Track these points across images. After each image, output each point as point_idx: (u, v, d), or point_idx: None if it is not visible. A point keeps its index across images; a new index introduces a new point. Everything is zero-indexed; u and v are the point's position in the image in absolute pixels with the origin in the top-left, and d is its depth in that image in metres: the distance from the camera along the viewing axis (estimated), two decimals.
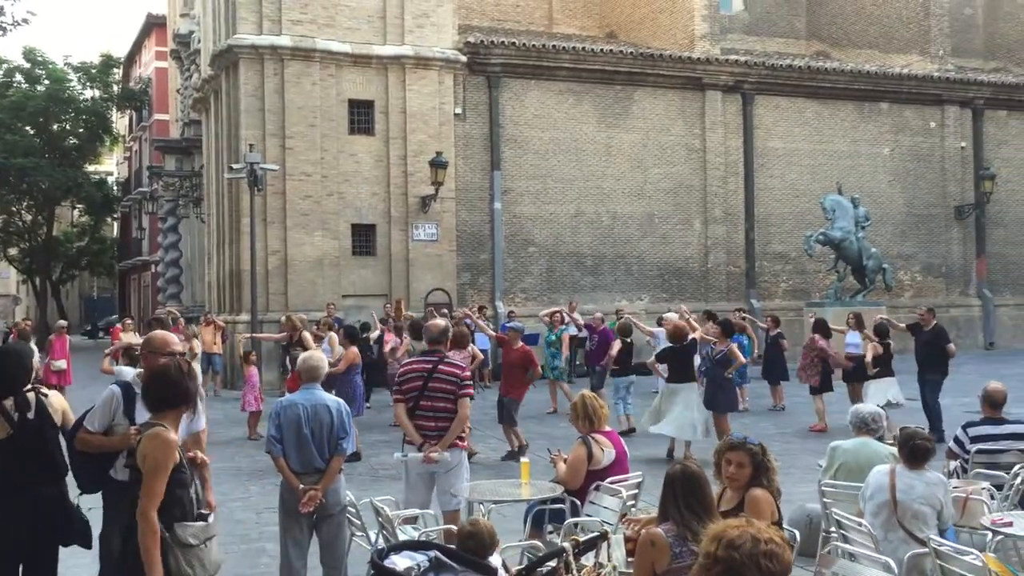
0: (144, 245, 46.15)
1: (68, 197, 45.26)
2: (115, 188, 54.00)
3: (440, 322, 7.46)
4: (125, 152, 55.51)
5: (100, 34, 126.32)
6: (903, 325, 14.51)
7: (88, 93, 45.20)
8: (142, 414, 4.65)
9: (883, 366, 13.38)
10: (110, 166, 62.02)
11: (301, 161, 21.29)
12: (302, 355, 6.56)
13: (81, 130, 44.73)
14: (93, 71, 44.71)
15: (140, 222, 46.27)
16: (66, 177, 41.43)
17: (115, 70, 47.38)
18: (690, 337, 12.26)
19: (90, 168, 48.89)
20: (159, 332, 5.52)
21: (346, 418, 5.96)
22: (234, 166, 20.67)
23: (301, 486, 5.79)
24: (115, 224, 56.39)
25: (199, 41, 28.81)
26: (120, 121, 52.08)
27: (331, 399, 6.04)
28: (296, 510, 5.84)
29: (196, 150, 30.69)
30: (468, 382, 6.95)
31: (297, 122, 21.25)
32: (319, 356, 6.40)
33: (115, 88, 46.81)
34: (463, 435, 7.03)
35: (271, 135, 21.16)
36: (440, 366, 6.91)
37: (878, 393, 12.95)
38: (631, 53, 24.40)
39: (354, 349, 12.82)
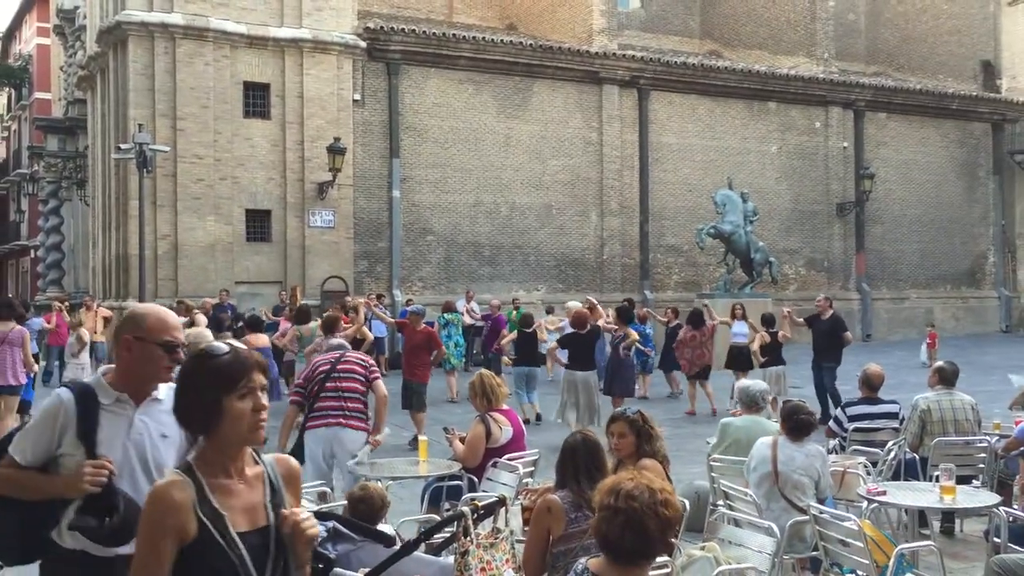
0: (23, 229, 44.13)
1: None
2: None
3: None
4: (2, 132, 52.89)
5: None
6: (802, 320, 14.88)
7: None
8: (111, 440, 3.08)
9: (772, 355, 13.87)
10: None
11: (193, 143, 20.72)
12: (187, 332, 6.47)
13: None
14: None
15: (19, 205, 44.27)
16: None
17: None
18: (591, 325, 12.33)
19: None
20: (153, 308, 3.31)
21: None
22: (122, 146, 19.98)
23: None
24: None
25: (84, 17, 27.72)
26: None
27: None
28: None
29: (80, 130, 29.53)
30: (374, 367, 7.36)
31: (189, 103, 20.66)
32: (203, 332, 6.36)
33: None
34: (367, 417, 7.22)
35: (161, 116, 20.52)
36: (342, 361, 7.27)
37: (768, 382, 13.34)
38: (531, 45, 24.59)
39: (262, 336, 12.50)
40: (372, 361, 7.43)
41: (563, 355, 12.33)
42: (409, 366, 12.34)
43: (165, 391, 3.12)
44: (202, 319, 13.34)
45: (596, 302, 13.13)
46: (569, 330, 13.04)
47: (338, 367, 7.05)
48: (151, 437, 3.14)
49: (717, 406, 14.59)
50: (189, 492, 2.43)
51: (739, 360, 15.07)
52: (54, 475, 3.07)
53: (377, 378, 7.22)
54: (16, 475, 3.08)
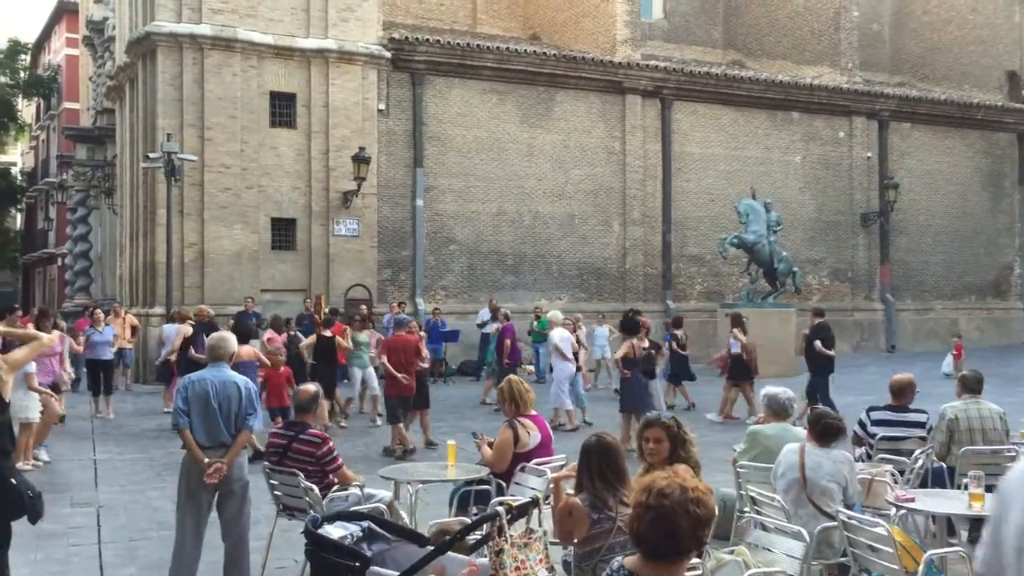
0: (51, 237, 44.68)
1: None
2: (20, 178, 52.13)
3: (310, 388, 7.02)
4: (31, 141, 53.63)
5: (7, 19, 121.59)
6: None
7: None
8: None
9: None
10: (14, 156, 59.79)
11: (220, 153, 20.95)
12: (212, 335, 6.62)
13: None
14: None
15: (47, 213, 44.84)
16: None
17: (23, 56, 45.78)
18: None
19: None
20: None
21: (253, 396, 6.10)
22: (150, 156, 20.23)
23: (206, 459, 5.86)
24: (19, 216, 54.41)
25: (114, 28, 28.10)
26: (27, 109, 50.34)
27: (239, 377, 6.15)
28: (197, 484, 5.94)
29: (109, 139, 29.89)
30: (328, 458, 6.56)
31: (217, 113, 20.90)
32: (227, 336, 6.45)
33: (22, 75, 45.23)
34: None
35: (189, 125, 20.77)
36: (295, 443, 6.62)
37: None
38: (554, 55, 24.70)
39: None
40: (330, 446, 6.60)
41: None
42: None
43: None
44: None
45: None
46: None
47: (292, 445, 6.59)
48: None
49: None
50: None
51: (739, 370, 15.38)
52: None
53: (336, 468, 6.58)
54: None
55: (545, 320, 18.48)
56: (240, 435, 5.99)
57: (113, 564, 7.30)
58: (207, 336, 7.23)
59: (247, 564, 6.18)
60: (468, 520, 5.27)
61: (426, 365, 12.83)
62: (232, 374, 6.14)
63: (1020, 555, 1.84)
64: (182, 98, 20.77)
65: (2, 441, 4.92)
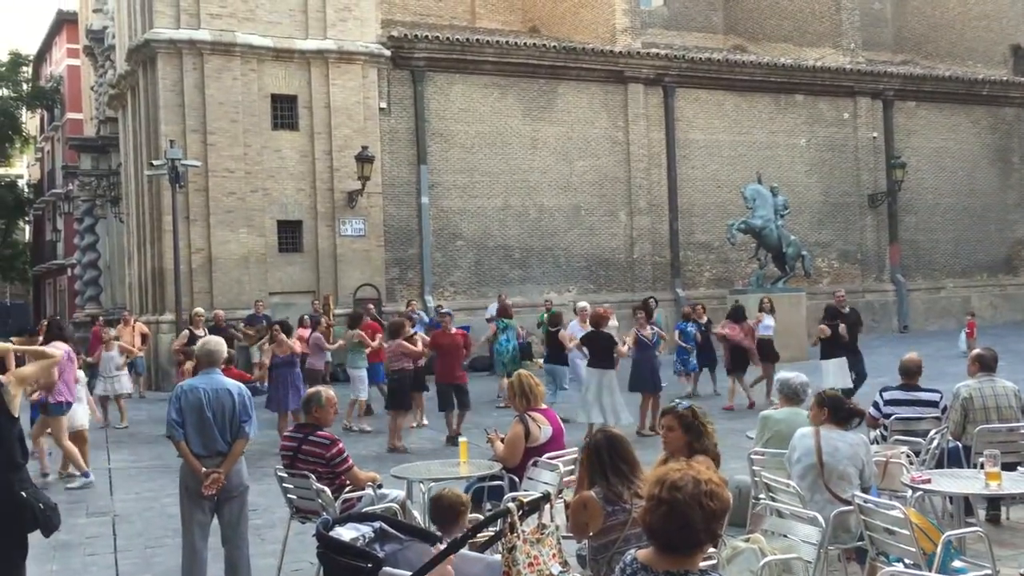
0: (59, 248, 44.82)
1: None
2: (26, 190, 52.31)
3: (311, 389, 6.84)
4: (36, 153, 53.79)
5: (7, 32, 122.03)
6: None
7: None
8: None
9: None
10: (20, 168, 60.00)
11: (224, 157, 20.95)
12: (201, 340, 6.57)
13: None
14: (1, 70, 43.22)
15: (55, 224, 44.99)
16: None
17: (24, 68, 45.91)
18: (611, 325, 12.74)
19: (0, 171, 47.30)
20: None
21: (248, 402, 6.03)
22: (154, 162, 20.24)
23: (204, 469, 5.84)
24: (27, 228, 54.62)
25: (113, 37, 28.13)
26: (31, 121, 50.48)
27: (232, 383, 6.09)
28: (198, 493, 5.90)
29: (113, 148, 29.94)
30: (338, 459, 6.43)
31: (219, 117, 20.90)
32: (217, 340, 6.40)
33: (25, 87, 45.35)
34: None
35: (192, 131, 20.78)
36: (304, 445, 6.52)
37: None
38: (554, 47, 24.61)
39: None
40: (339, 448, 6.46)
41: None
42: (444, 368, 12.66)
43: None
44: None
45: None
46: (580, 330, 13.78)
47: (302, 448, 6.49)
48: None
49: (755, 399, 14.75)
50: None
51: (768, 353, 15.23)
52: None
53: (346, 469, 6.45)
54: None
55: (554, 311, 18.38)
56: (236, 443, 5.94)
57: (129, 573, 7.31)
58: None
59: (247, 567, 6.17)
60: (480, 517, 5.25)
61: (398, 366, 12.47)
62: (226, 381, 6.07)
63: None
64: (183, 104, 20.79)
65: (13, 455, 4.91)
